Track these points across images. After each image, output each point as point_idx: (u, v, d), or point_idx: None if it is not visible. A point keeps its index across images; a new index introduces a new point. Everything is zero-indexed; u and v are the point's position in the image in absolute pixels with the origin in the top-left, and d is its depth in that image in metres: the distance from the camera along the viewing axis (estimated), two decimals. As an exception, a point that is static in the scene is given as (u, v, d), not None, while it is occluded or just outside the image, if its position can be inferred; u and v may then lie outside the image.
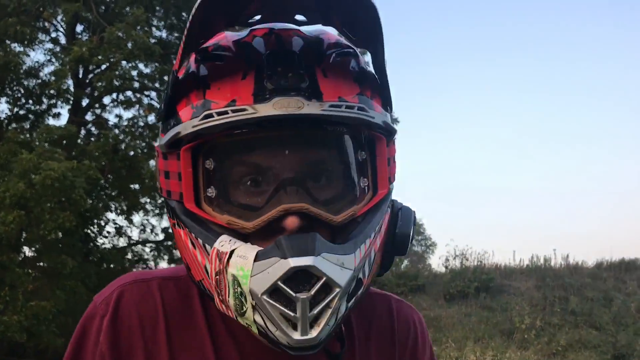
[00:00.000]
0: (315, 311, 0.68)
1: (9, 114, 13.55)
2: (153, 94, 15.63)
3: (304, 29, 0.80)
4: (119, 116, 14.97)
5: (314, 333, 0.69)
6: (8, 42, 11.67)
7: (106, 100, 14.73)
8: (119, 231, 15.29)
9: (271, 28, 0.78)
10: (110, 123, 14.55)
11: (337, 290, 0.69)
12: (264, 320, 0.69)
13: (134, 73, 13.60)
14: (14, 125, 13.55)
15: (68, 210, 9.48)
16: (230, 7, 0.71)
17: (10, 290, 9.33)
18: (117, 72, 11.85)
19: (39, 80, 13.36)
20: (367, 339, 0.90)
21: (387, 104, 0.80)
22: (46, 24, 13.79)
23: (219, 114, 0.70)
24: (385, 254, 0.82)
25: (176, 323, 0.82)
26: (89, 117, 14.55)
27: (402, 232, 0.83)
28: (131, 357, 0.80)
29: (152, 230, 16.49)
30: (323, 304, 0.68)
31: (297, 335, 0.68)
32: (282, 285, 0.67)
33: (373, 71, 0.80)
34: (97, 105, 14.75)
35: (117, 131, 14.01)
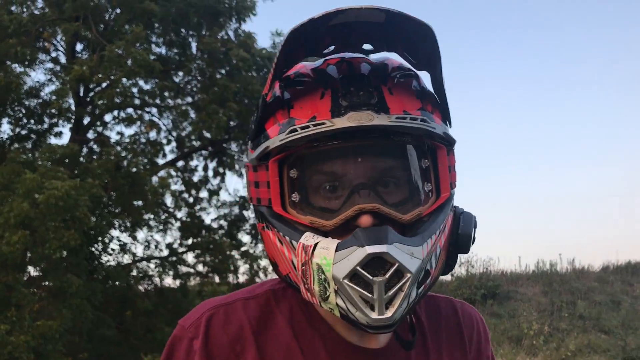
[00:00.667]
0: (390, 293, 0.77)
1: (11, 134, 13.62)
2: (154, 110, 15.72)
3: (371, 56, 0.92)
4: (121, 133, 15.06)
5: (389, 313, 0.77)
6: (9, 63, 11.75)
7: (107, 117, 14.82)
8: (123, 248, 15.30)
9: (342, 57, 0.90)
10: (112, 140, 14.62)
11: (408, 275, 0.78)
12: (345, 303, 0.78)
13: (135, 90, 13.69)
14: (16, 145, 13.60)
15: (72, 229, 9.49)
16: (309, 42, 0.84)
17: (17, 311, 9.32)
18: (117, 90, 11.89)
19: (40, 100, 13.44)
20: (438, 334, 1.00)
21: (446, 118, 0.90)
22: (46, 44, 13.87)
23: (302, 128, 0.82)
24: (449, 253, 0.91)
25: (263, 337, 0.91)
26: (90, 135, 14.60)
27: (464, 232, 0.92)
28: None
29: (156, 247, 16.50)
30: (396, 287, 0.77)
31: (374, 315, 0.77)
32: (360, 270, 0.76)
33: (432, 90, 0.91)
34: (98, 123, 14.81)
35: (119, 148, 14.07)
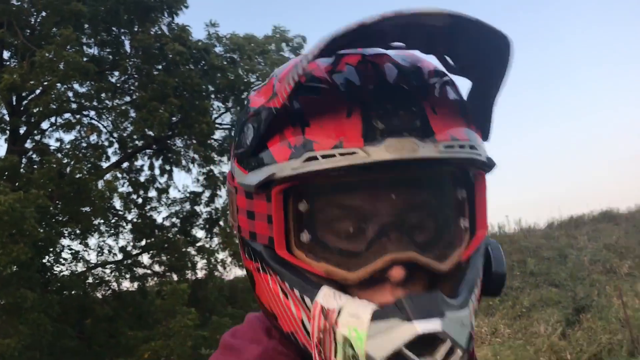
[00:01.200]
0: None
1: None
2: (92, 113, 15.32)
3: (394, 54, 0.74)
4: (60, 140, 14.62)
5: None
6: None
7: (45, 125, 14.34)
8: (76, 256, 14.94)
9: (363, 54, 0.71)
10: (52, 148, 14.19)
11: (460, 352, 0.62)
12: None
13: (70, 94, 13.29)
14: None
15: (21, 243, 9.23)
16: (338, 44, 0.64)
17: (-29, 332, 9.04)
18: (52, 95, 11.54)
19: (-29, 113, 12.91)
20: None
21: (486, 136, 0.76)
22: (-30, 54, 13.30)
23: (324, 156, 0.63)
24: (490, 290, 0.77)
25: None
26: (28, 144, 14.12)
27: (497, 272, 0.76)
28: None
29: (110, 251, 16.18)
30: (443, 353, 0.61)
31: None
32: (406, 351, 0.60)
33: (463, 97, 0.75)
34: (35, 132, 14.33)
35: (60, 155, 13.66)
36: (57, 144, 14.45)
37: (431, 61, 0.74)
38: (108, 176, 14.32)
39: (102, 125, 15.63)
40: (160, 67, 13.46)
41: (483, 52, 0.66)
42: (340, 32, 0.58)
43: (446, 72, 0.74)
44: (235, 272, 18.16)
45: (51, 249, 12.66)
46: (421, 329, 0.59)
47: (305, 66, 0.61)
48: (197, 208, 17.37)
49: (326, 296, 0.64)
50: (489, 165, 0.72)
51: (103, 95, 14.61)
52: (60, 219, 13.42)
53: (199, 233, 17.62)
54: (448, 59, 0.72)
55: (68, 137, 16.61)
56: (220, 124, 16.93)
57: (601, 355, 9.74)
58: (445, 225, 0.71)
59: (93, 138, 14.92)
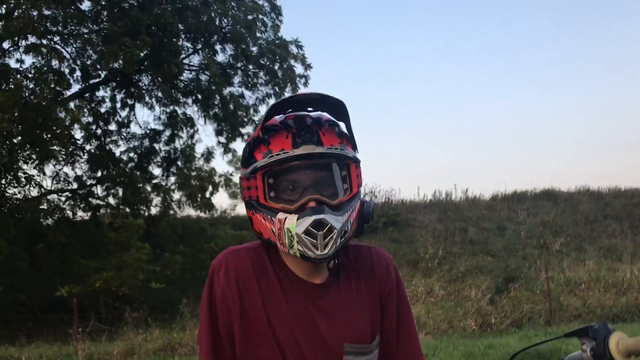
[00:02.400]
0: (325, 240, 1.31)
1: None
2: (57, 38, 15.03)
3: (312, 114, 1.48)
4: (20, 60, 14.32)
5: (325, 251, 1.32)
6: None
7: (5, 45, 14.03)
8: (30, 181, 14.90)
9: (295, 115, 1.43)
10: (13, 67, 13.89)
11: (335, 230, 1.32)
12: (302, 247, 1.32)
13: (34, 13, 12.92)
14: None
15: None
16: (279, 110, 1.41)
17: None
18: (17, 16, 11.27)
19: None
20: (359, 271, 1.52)
21: (354, 147, 1.46)
22: None
23: (276, 155, 1.35)
24: (358, 224, 1.45)
25: (259, 274, 1.44)
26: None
27: (365, 211, 1.47)
28: (237, 291, 1.41)
29: (65, 180, 16.23)
30: (329, 237, 1.32)
31: (318, 252, 1.31)
32: (311, 228, 1.31)
33: (345, 131, 1.47)
34: (-4, 52, 14.00)
35: (19, 77, 13.45)
36: (17, 65, 14.18)
37: (329, 116, 1.46)
38: (71, 105, 14.18)
39: (66, 51, 15.43)
40: (135, 2, 13.25)
41: (339, 108, 1.42)
42: (273, 103, 1.37)
43: (334, 120, 1.45)
44: (189, 212, 18.55)
45: (12, 173, 12.63)
46: (315, 217, 1.31)
47: (262, 121, 1.41)
48: (156, 145, 17.53)
49: (280, 215, 1.35)
50: (354, 159, 1.43)
51: (69, 21, 14.32)
52: (19, 142, 13.37)
53: (156, 170, 17.83)
54: (331, 115, 1.46)
55: (29, 60, 16.28)
56: (189, 65, 16.96)
57: (522, 322, 10.65)
58: (335, 186, 1.39)
59: (54, 63, 14.66)
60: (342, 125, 1.46)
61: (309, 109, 1.44)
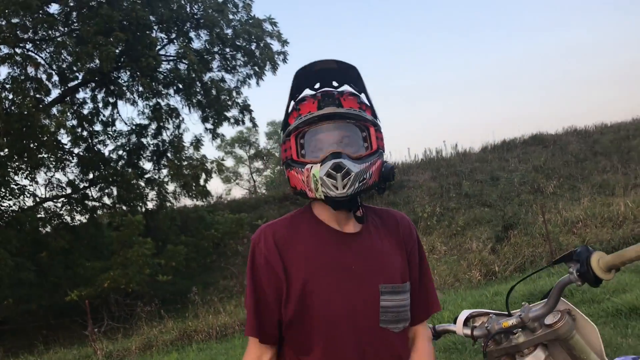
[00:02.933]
0: (344, 181, 1.49)
1: None
2: (29, 45, 14.88)
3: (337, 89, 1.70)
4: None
5: (344, 190, 1.49)
6: None
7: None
8: (23, 191, 14.92)
9: (324, 90, 1.65)
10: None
11: (353, 173, 1.49)
12: (324, 189, 1.49)
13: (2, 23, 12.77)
14: None
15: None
16: (306, 83, 1.63)
17: None
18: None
19: None
20: (384, 227, 1.70)
21: (374, 115, 1.64)
22: None
23: (304, 117, 1.57)
24: (380, 180, 1.60)
25: (294, 235, 1.60)
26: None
27: (385, 169, 1.61)
28: (278, 255, 1.55)
29: (58, 185, 16.25)
30: (347, 178, 1.49)
31: (337, 192, 1.49)
32: (331, 170, 1.49)
33: (366, 101, 1.66)
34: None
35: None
36: (-5, 77, 14.08)
37: (351, 88, 1.67)
38: (54, 111, 14.13)
39: (41, 57, 15.29)
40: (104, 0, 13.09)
41: (356, 80, 1.64)
42: (297, 70, 1.58)
43: (355, 92, 1.65)
44: (185, 202, 18.64)
45: (3, 186, 12.64)
46: (334, 161, 1.49)
47: (290, 92, 1.63)
48: (144, 140, 17.53)
49: (308, 165, 1.53)
50: (372, 122, 1.61)
51: (39, 26, 14.18)
52: (8, 154, 13.35)
53: (147, 165, 17.86)
54: (352, 86, 1.67)
55: (4, 70, 16.12)
56: (166, 56, 16.85)
57: (524, 266, 10.87)
58: (357, 144, 1.58)
59: (31, 71, 14.56)
60: (363, 96, 1.65)
61: (335, 83, 1.66)
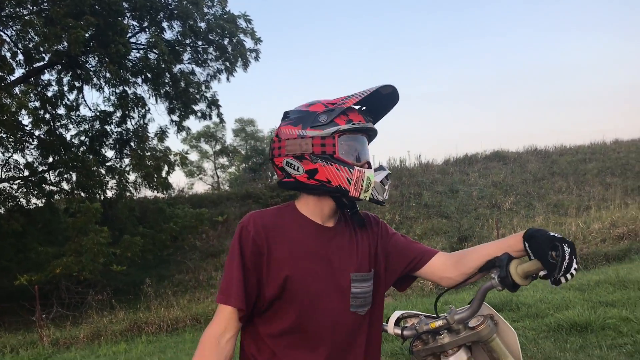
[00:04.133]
0: (388, 188, 1.73)
1: None
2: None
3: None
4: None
5: (387, 196, 1.73)
6: None
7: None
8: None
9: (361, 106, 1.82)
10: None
11: (390, 178, 1.74)
12: (374, 192, 1.68)
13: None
14: None
15: None
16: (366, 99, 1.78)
17: None
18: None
19: None
20: (364, 227, 1.85)
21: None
22: None
23: (357, 123, 1.70)
24: None
25: (281, 224, 1.70)
26: None
27: None
28: (265, 238, 1.64)
29: (15, 167, 15.88)
30: (389, 182, 1.73)
31: (384, 196, 1.71)
32: (385, 179, 1.70)
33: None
34: None
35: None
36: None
37: None
38: (16, 90, 13.81)
39: (6, 34, 14.96)
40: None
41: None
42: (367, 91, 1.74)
43: None
44: (146, 193, 18.42)
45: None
46: (388, 172, 1.73)
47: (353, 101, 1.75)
48: (107, 127, 17.26)
49: (360, 168, 1.67)
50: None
51: (6, 2, 13.87)
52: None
53: (109, 153, 17.60)
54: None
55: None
56: (136, 44, 16.65)
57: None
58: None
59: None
60: None
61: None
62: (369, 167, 1.73)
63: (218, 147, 36.32)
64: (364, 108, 1.82)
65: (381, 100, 1.81)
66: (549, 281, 1.53)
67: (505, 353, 1.78)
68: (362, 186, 1.66)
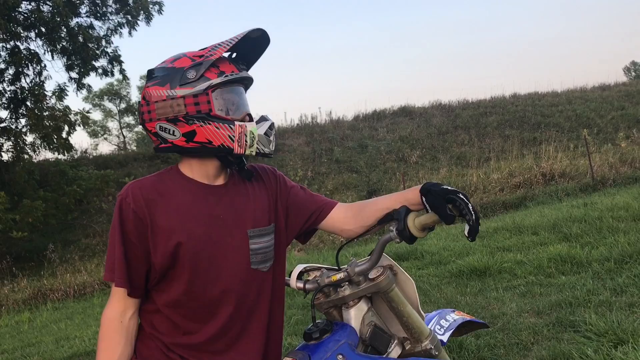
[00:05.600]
0: (273, 139, 1.66)
1: None
2: None
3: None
4: None
5: (272, 148, 1.66)
6: None
7: None
8: None
9: (220, 44, 1.67)
10: None
11: (274, 126, 1.68)
12: (260, 145, 1.61)
13: None
14: None
15: None
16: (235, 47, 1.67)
17: None
18: None
19: None
20: (260, 181, 1.82)
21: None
22: None
23: (230, 75, 1.60)
24: None
25: (164, 191, 1.62)
26: None
27: None
28: (147, 210, 1.56)
29: None
30: (273, 136, 1.67)
31: (271, 148, 1.65)
32: (269, 130, 1.63)
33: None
34: None
35: None
36: None
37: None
38: None
39: None
40: None
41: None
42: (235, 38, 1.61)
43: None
44: (46, 155, 17.49)
45: None
46: (271, 122, 1.65)
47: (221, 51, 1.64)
48: (0, 86, 16.12)
49: (240, 123, 1.59)
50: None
51: None
52: None
53: (3, 113, 16.51)
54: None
55: None
56: (26, -5, 15.46)
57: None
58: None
59: None
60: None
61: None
62: (250, 119, 1.66)
63: (123, 105, 34.92)
64: (234, 55, 1.71)
65: (251, 45, 1.70)
66: (466, 235, 1.56)
67: (404, 302, 1.82)
68: (245, 142, 1.58)
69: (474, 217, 1.52)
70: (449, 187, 1.58)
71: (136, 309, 1.60)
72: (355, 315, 1.83)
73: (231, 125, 1.57)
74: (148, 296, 1.64)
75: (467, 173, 14.36)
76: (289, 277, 1.98)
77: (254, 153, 1.61)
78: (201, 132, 1.58)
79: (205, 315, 1.61)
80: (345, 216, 1.82)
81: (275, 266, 1.75)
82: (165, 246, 1.56)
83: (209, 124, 1.57)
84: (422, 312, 1.90)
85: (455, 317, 2.22)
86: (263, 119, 1.65)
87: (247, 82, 1.70)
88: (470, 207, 1.54)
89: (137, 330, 1.62)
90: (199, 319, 1.61)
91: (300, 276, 1.98)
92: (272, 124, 1.65)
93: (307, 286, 1.93)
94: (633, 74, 53.61)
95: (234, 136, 1.58)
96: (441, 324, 2.15)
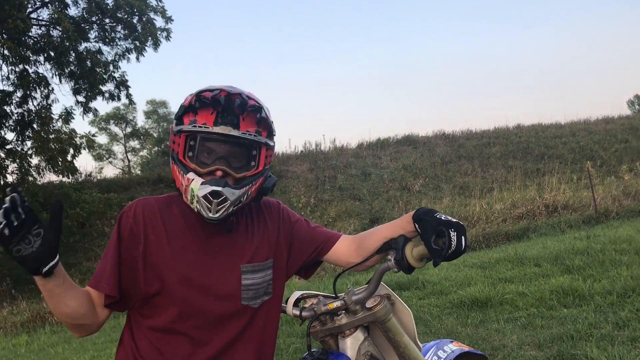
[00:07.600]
0: (218, 207, 1.53)
1: None
2: None
3: (243, 94, 1.62)
4: None
5: (217, 215, 1.54)
6: None
7: None
8: None
9: (228, 92, 1.58)
10: None
11: (229, 201, 1.54)
12: (200, 207, 1.54)
13: None
14: None
15: None
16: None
17: None
18: None
19: None
20: (262, 216, 1.80)
21: (270, 133, 1.65)
22: None
23: (198, 127, 1.55)
24: (257, 196, 1.68)
25: (166, 217, 1.65)
26: None
27: (266, 185, 1.69)
28: (143, 229, 1.60)
29: None
30: (222, 205, 1.54)
31: (210, 215, 1.54)
32: (208, 195, 1.52)
33: (267, 117, 1.64)
34: None
35: None
36: None
37: (258, 99, 1.65)
38: None
39: None
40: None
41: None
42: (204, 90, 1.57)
43: (260, 104, 1.63)
44: (50, 177, 17.54)
45: None
46: (213, 188, 1.52)
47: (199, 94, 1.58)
48: (7, 108, 16.24)
49: (190, 175, 1.55)
50: (266, 144, 1.63)
51: None
52: None
53: (9, 135, 16.59)
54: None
55: None
56: (37, 20, 15.71)
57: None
58: (244, 163, 1.61)
59: None
60: (267, 109, 1.66)
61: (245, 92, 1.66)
62: (223, 175, 1.56)
63: (129, 129, 35.15)
64: (228, 100, 1.58)
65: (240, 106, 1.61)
66: (428, 257, 1.55)
67: (401, 332, 1.79)
68: (189, 196, 1.56)
69: (448, 255, 1.50)
70: (443, 217, 1.55)
71: (103, 318, 1.61)
72: (352, 345, 1.81)
73: (185, 174, 1.57)
74: (134, 317, 1.65)
75: (470, 203, 14.33)
76: (286, 303, 1.96)
77: (195, 211, 1.58)
78: (174, 170, 1.63)
79: (189, 345, 1.60)
80: (349, 249, 1.80)
81: (269, 301, 1.73)
82: (155, 271, 1.58)
83: (175, 165, 1.61)
84: (419, 343, 1.87)
85: (453, 348, 2.19)
86: (214, 183, 1.54)
87: (229, 141, 1.59)
88: (459, 244, 1.51)
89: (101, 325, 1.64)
90: (185, 350, 1.59)
91: (297, 303, 1.97)
92: (218, 191, 1.53)
93: (304, 314, 1.91)
94: (637, 107, 53.83)
95: (181, 186, 1.59)
96: (439, 355, 2.13)
